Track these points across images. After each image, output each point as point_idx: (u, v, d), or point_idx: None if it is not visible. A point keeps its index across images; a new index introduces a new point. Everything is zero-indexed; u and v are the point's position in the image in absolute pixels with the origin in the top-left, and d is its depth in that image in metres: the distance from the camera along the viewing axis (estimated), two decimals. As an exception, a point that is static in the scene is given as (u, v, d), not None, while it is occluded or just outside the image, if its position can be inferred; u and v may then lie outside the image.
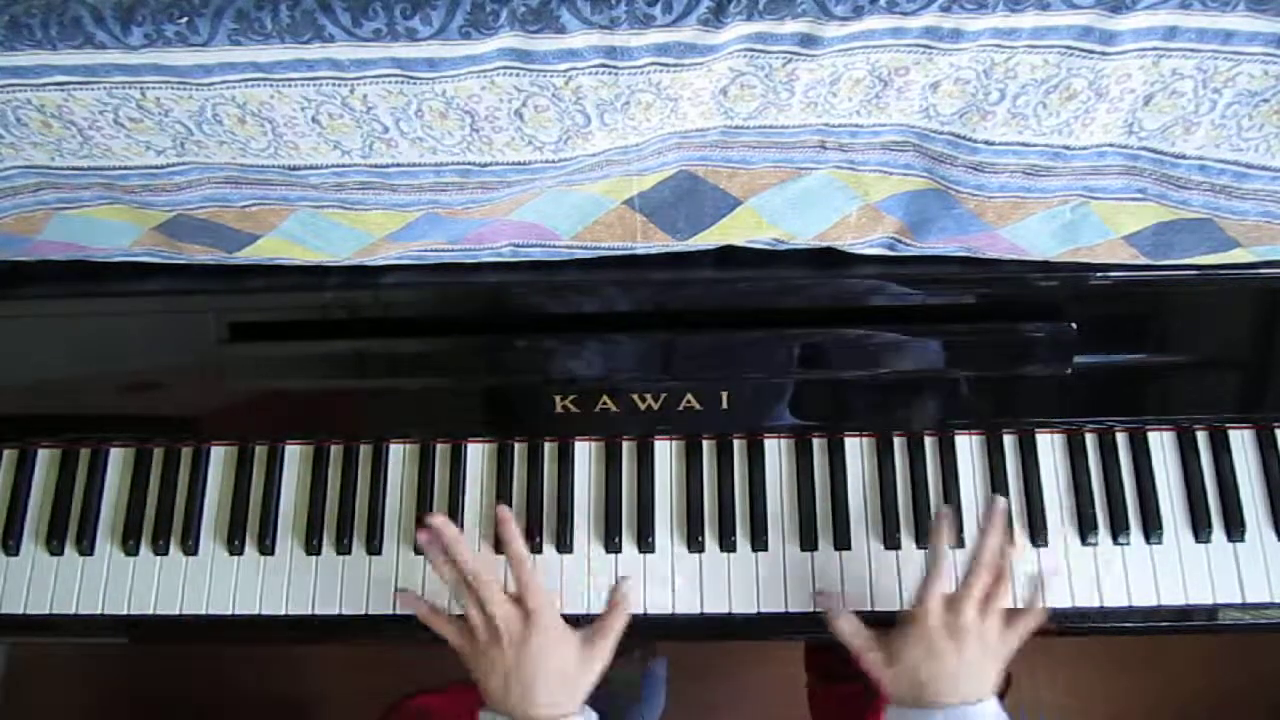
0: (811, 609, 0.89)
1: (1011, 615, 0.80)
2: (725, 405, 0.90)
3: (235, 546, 0.92)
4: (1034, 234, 0.78)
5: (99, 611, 0.92)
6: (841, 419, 0.93)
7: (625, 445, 0.94)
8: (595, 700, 0.83)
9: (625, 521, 0.92)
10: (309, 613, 0.91)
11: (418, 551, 0.91)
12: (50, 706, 1.68)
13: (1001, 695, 0.79)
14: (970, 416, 0.92)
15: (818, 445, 0.93)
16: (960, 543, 0.90)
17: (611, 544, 0.91)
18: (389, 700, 1.04)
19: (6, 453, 0.97)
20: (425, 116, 0.64)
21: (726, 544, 0.90)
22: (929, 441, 0.93)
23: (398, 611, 0.90)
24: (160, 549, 0.93)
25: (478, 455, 0.94)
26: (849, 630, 0.82)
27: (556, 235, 0.81)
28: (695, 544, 0.90)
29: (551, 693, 0.77)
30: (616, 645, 0.82)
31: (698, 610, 0.89)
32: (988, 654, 0.78)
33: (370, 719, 1.05)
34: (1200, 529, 0.89)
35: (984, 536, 0.81)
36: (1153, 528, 0.89)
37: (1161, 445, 0.93)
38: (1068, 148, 0.68)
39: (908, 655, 0.78)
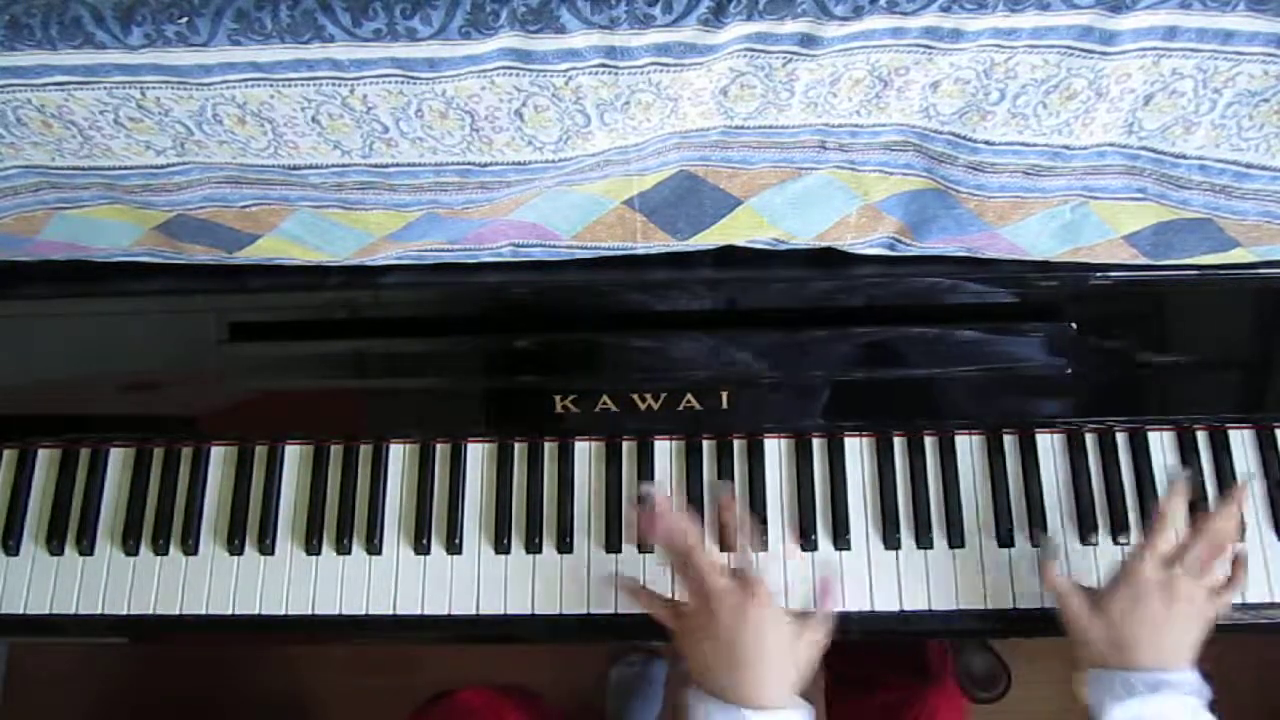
0: (810, 608, 0.88)
1: (1214, 591, 0.80)
2: (725, 405, 0.90)
3: (235, 546, 0.92)
4: (1034, 234, 0.78)
5: (99, 611, 0.91)
6: (841, 419, 0.92)
7: (625, 445, 0.94)
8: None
9: (625, 521, 0.92)
10: (309, 613, 0.91)
11: (418, 551, 0.91)
12: (50, 706, 1.68)
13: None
14: (970, 416, 0.92)
15: (817, 445, 0.93)
16: (961, 543, 0.90)
17: (612, 544, 0.91)
18: (389, 701, 1.04)
19: (6, 453, 0.97)
20: (425, 116, 0.64)
21: (726, 544, 0.90)
22: (929, 441, 0.93)
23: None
24: (160, 549, 0.93)
25: (478, 455, 0.94)
26: (1057, 575, 0.82)
27: (556, 235, 0.81)
28: (695, 544, 0.90)
29: (767, 672, 0.75)
30: (826, 636, 0.81)
31: (698, 610, 0.89)
32: (1192, 620, 0.77)
33: (370, 719, 1.05)
34: (1200, 529, 0.89)
35: (1216, 510, 0.82)
36: (1153, 528, 0.89)
37: (1161, 445, 0.93)
38: (1068, 148, 0.68)
39: (1115, 605, 0.77)
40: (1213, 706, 0.74)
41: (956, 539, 0.90)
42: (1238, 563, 0.85)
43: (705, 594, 0.78)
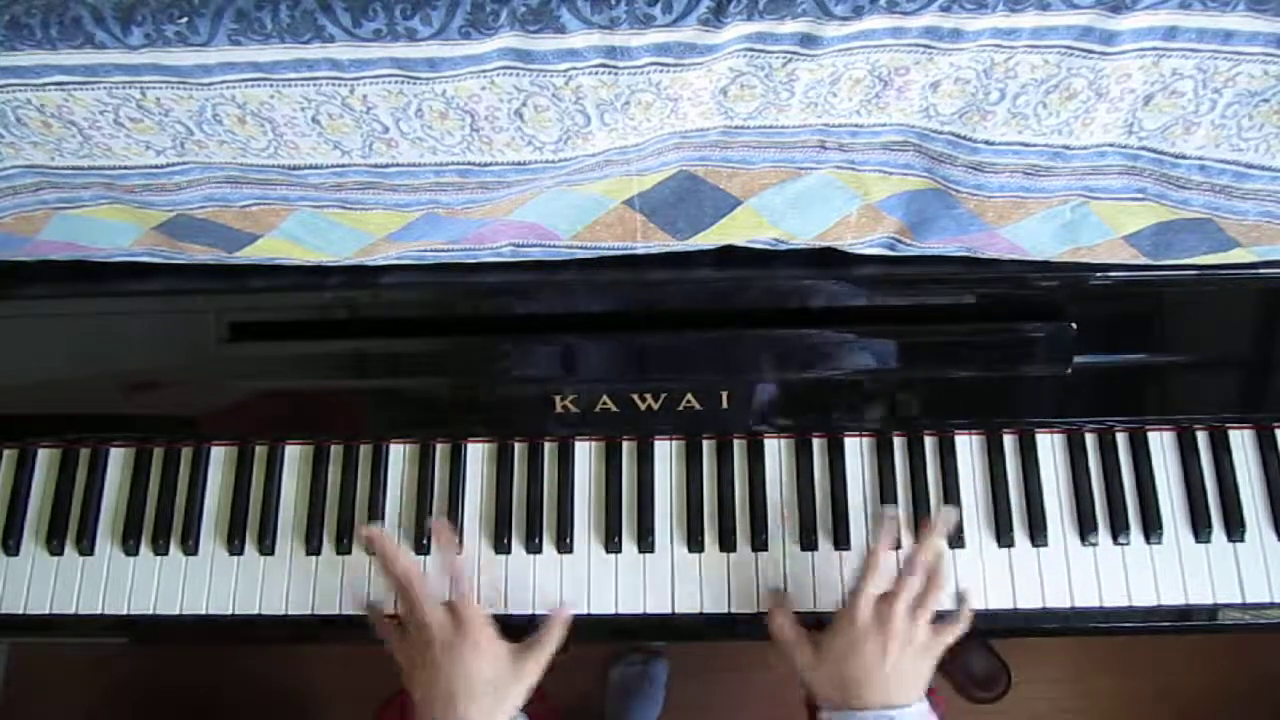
0: (812, 609, 0.88)
1: (938, 625, 0.81)
2: (725, 405, 0.90)
3: (235, 546, 0.92)
4: (1034, 234, 0.78)
5: (99, 611, 0.91)
6: (841, 419, 0.92)
7: (625, 445, 0.94)
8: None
9: (625, 521, 0.92)
10: (309, 613, 0.91)
11: (419, 552, 0.91)
12: (50, 706, 1.68)
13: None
14: (970, 416, 0.92)
15: (818, 445, 0.93)
16: (961, 543, 0.90)
17: (612, 544, 0.91)
18: (387, 699, 1.04)
19: (6, 453, 0.97)
20: (425, 116, 0.64)
21: (726, 544, 0.90)
22: (929, 441, 0.93)
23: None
24: (160, 549, 0.93)
25: (478, 455, 0.94)
26: (783, 626, 0.83)
27: (556, 235, 0.81)
28: (695, 544, 0.90)
29: (479, 701, 0.77)
30: (549, 661, 0.82)
31: (697, 610, 0.89)
32: (915, 657, 0.78)
33: (369, 718, 1.05)
34: (1200, 529, 0.89)
35: (921, 541, 0.82)
36: (1153, 528, 0.89)
37: (1161, 445, 0.93)
38: (1068, 148, 0.68)
39: (835, 652, 0.78)
40: None
41: (956, 539, 0.90)
42: (965, 598, 0.85)
43: (421, 625, 0.79)
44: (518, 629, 0.91)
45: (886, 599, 0.79)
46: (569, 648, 0.83)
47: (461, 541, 0.91)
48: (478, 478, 0.94)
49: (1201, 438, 0.93)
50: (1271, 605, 0.88)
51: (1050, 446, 0.93)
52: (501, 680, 0.79)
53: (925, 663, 0.79)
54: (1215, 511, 0.90)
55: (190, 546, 0.92)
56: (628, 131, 0.66)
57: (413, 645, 0.80)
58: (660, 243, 0.81)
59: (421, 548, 0.91)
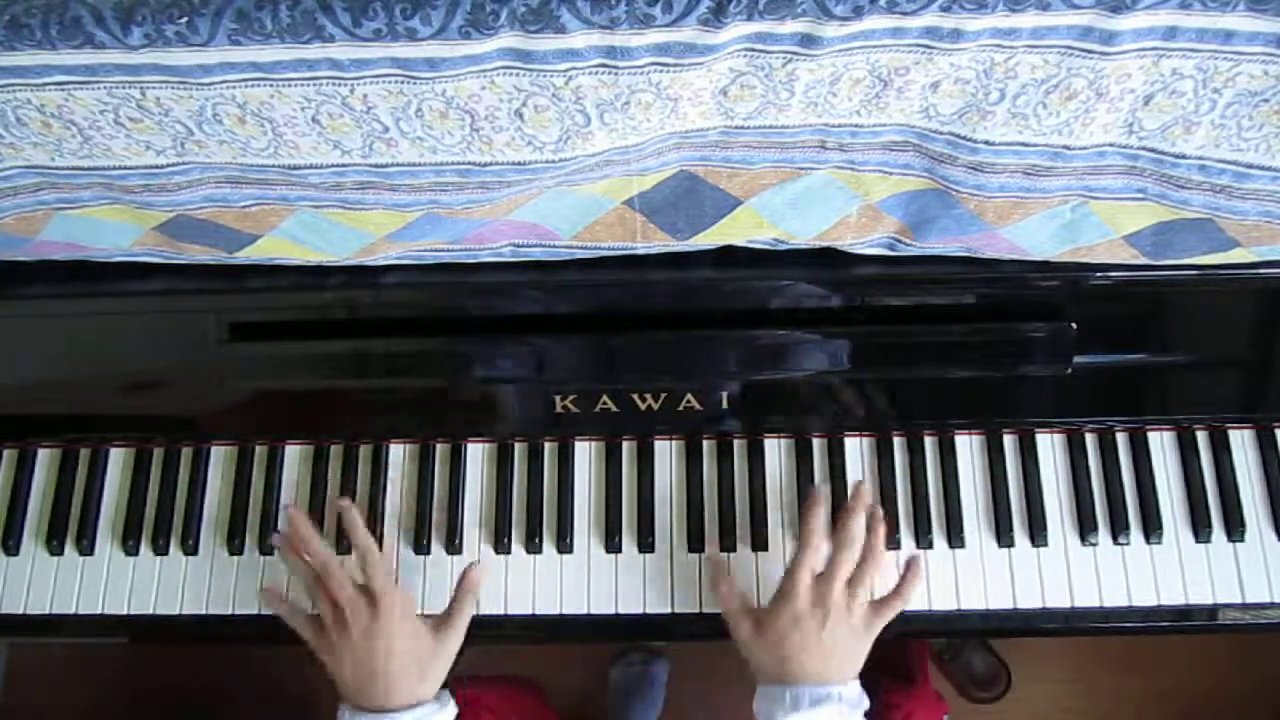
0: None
1: (878, 601, 0.81)
2: (725, 405, 0.90)
3: (235, 546, 0.92)
4: (1034, 234, 0.78)
5: (99, 611, 0.92)
6: (841, 419, 0.93)
7: (625, 445, 0.94)
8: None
9: (625, 521, 0.92)
10: (309, 612, 0.90)
11: (418, 551, 0.91)
12: (50, 706, 1.68)
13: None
14: (970, 416, 0.92)
15: (818, 445, 0.93)
16: (961, 543, 0.90)
17: (611, 544, 0.91)
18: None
19: (6, 453, 0.97)
20: (425, 116, 0.64)
21: (726, 544, 0.90)
22: (929, 441, 0.93)
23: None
24: (160, 549, 0.93)
25: (478, 455, 0.94)
26: (727, 597, 0.83)
27: (556, 235, 0.81)
28: (695, 544, 0.90)
29: (402, 679, 0.77)
30: (466, 630, 0.83)
31: (696, 610, 0.89)
32: (852, 634, 0.79)
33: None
34: (1200, 529, 0.89)
35: (845, 517, 0.82)
36: (1153, 528, 0.89)
37: (1161, 445, 0.93)
38: (1068, 148, 0.68)
39: (774, 628, 0.79)
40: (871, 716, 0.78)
41: (956, 539, 0.90)
42: (911, 568, 0.84)
43: (338, 610, 0.80)
44: (518, 629, 0.91)
45: (822, 576, 0.80)
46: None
47: (462, 541, 0.91)
48: (478, 478, 0.94)
49: (1201, 438, 0.93)
50: (1271, 605, 0.88)
51: (1050, 446, 0.93)
52: (423, 654, 0.79)
53: (862, 640, 0.79)
54: (1215, 511, 0.90)
55: (190, 546, 0.92)
56: (628, 131, 0.66)
57: (331, 631, 0.80)
58: (660, 243, 0.81)
59: (422, 548, 0.91)
